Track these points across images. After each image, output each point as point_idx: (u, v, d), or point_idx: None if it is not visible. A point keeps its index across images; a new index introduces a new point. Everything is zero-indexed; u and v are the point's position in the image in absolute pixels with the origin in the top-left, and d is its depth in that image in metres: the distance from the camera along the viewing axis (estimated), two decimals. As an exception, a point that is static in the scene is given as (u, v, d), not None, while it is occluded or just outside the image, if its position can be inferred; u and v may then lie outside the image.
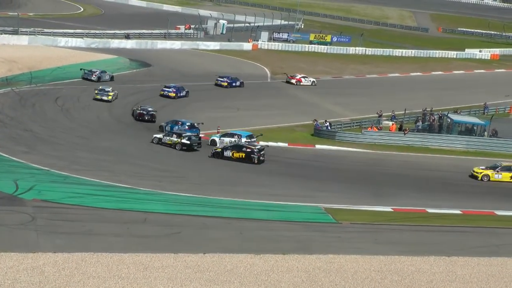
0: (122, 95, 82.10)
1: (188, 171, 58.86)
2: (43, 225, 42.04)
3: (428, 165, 68.96)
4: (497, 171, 64.18)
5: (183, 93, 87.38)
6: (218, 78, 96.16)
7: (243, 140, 66.19)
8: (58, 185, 50.06)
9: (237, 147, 63.32)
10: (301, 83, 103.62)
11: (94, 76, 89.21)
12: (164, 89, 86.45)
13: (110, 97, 78.50)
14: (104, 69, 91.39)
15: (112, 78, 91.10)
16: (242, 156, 62.47)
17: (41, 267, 35.86)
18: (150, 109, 74.20)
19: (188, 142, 64.42)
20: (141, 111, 73.41)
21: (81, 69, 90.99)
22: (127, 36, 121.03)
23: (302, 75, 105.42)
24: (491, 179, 63.86)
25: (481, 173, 64.30)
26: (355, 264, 41.01)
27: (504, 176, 64.19)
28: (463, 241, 48.00)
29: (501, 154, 74.98)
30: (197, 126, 69.66)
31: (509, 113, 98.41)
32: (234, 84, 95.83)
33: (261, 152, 63.06)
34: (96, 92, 78.78)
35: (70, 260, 36.99)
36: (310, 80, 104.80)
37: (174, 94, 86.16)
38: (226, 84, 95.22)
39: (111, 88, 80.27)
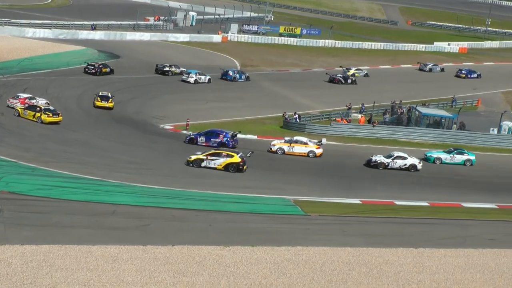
0: (90, 86, 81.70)
1: (157, 164, 58.66)
2: (10, 217, 41.72)
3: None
4: None
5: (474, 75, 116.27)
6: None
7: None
8: (26, 177, 49.71)
9: None
10: None
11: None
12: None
13: None
14: (72, 60, 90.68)
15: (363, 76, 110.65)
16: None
17: (8, 259, 35.61)
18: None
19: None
20: None
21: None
22: (93, 27, 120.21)
23: None
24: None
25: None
26: (323, 256, 41.19)
27: None
28: (430, 232, 48.40)
29: (468, 147, 75.59)
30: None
31: (476, 106, 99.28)
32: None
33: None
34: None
35: (37, 252, 36.78)
36: None
37: (463, 75, 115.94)
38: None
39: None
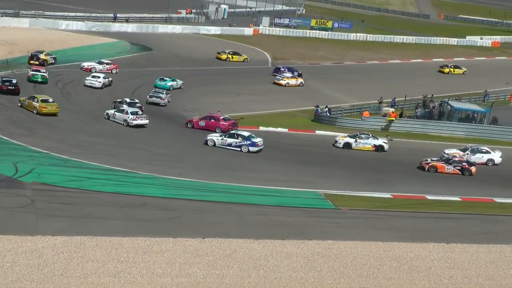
0: (123, 79, 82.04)
1: (186, 156, 58.79)
2: (42, 208, 42.04)
3: (427, 151, 68.78)
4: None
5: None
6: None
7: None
8: (58, 168, 50.04)
9: None
10: None
11: None
12: None
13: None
14: (104, 53, 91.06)
15: None
16: None
17: (40, 250, 35.89)
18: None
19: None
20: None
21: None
22: (115, 17, 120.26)
23: None
24: None
25: None
26: (353, 250, 41.05)
27: None
28: (462, 228, 48.01)
29: (501, 142, 74.95)
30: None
31: (509, 100, 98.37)
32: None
33: None
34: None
35: (69, 244, 37.02)
36: None
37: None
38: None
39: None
